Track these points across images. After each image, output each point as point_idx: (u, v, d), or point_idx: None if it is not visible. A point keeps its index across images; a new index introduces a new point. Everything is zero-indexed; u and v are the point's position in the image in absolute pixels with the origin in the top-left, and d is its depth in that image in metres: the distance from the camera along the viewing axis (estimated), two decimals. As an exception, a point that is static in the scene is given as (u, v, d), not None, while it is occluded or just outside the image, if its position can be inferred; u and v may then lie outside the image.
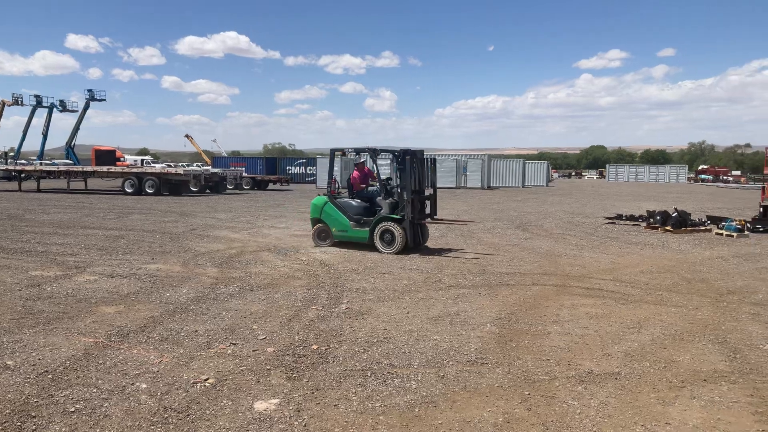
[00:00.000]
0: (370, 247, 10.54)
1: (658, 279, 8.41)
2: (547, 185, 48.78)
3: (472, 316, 6.18)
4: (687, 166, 75.79)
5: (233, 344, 5.12)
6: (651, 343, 5.31)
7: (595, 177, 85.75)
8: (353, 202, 11.07)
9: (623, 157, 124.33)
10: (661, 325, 5.93)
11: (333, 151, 11.53)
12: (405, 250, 10.32)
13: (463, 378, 4.39)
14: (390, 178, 10.98)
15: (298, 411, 3.76)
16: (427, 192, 10.88)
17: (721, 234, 13.75)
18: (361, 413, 3.75)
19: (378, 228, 10.41)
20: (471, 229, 14.38)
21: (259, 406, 3.84)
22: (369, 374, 4.43)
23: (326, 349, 5.00)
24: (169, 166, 48.30)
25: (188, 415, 3.69)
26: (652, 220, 15.50)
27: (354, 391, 4.11)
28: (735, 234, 13.50)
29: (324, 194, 11.31)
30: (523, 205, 23.78)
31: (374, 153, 10.72)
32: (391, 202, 10.46)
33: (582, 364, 4.72)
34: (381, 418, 3.68)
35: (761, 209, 16.71)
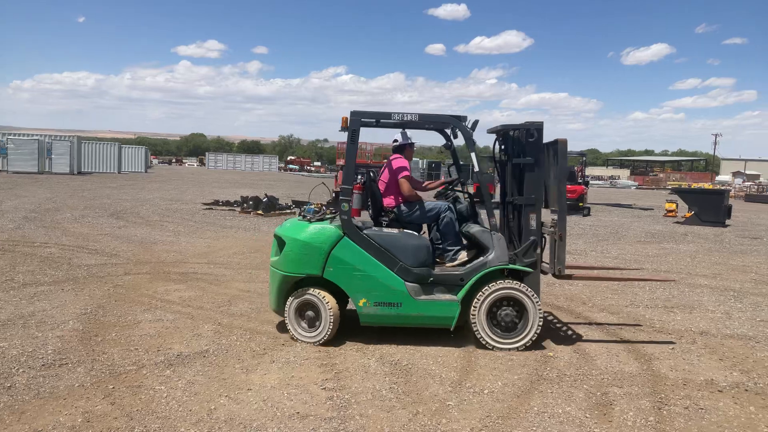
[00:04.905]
0: (444, 335, 5.18)
1: (249, 259, 9.07)
2: (146, 171, 47.15)
3: (52, 315, 5.53)
4: (278, 157, 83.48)
5: None
6: (239, 318, 5.69)
7: (195, 164, 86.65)
8: (411, 237, 5.18)
9: (222, 146, 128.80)
10: (248, 299, 6.41)
11: (358, 117, 5.13)
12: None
13: (36, 384, 3.90)
14: (457, 181, 5.98)
15: None
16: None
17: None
18: None
19: (488, 295, 4.92)
20: (56, 219, 12.82)
21: None
22: None
23: None
24: None
25: None
26: (245, 204, 16.60)
27: None
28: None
29: (310, 217, 5.37)
30: (118, 192, 22.34)
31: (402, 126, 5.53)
32: (496, 235, 5.09)
33: (172, 348, 4.74)
34: None
35: (333, 194, 19.70)
